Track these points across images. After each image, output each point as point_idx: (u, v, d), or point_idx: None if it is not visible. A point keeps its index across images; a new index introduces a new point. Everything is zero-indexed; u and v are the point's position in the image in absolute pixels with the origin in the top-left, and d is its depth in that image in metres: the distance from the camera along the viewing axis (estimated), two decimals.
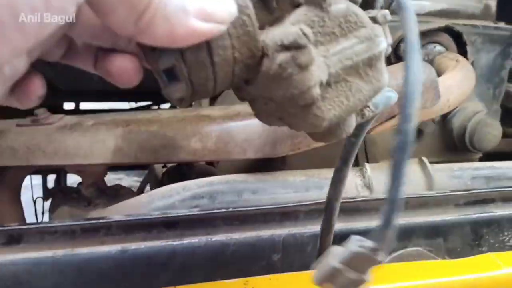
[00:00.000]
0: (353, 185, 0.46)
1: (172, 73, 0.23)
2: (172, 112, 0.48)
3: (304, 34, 0.24)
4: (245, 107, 0.47)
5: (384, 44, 0.27)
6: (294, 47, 0.24)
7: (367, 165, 0.48)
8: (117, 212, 0.45)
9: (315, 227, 0.39)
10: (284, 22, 0.25)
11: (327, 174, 0.47)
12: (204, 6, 0.22)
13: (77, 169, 0.55)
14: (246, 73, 0.25)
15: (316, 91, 0.25)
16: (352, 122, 0.29)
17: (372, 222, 0.42)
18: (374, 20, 0.27)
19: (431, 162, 0.50)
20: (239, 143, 0.43)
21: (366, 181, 0.46)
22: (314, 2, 0.25)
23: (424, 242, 0.44)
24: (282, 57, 0.24)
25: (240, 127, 0.45)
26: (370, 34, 0.26)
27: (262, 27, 0.25)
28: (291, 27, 0.24)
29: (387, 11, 0.28)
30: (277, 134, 0.45)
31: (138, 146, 0.45)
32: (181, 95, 0.24)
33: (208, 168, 0.57)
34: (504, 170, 0.49)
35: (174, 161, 0.46)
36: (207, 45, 0.23)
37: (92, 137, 0.47)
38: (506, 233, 0.46)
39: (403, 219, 0.43)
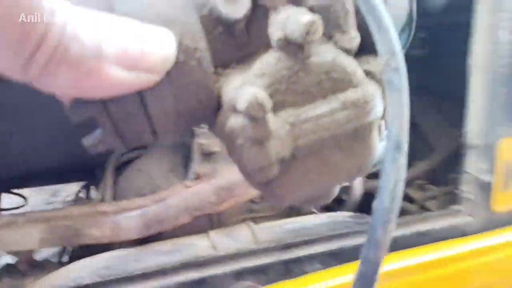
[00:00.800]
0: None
1: (93, 124, 0.19)
2: (79, 208, 0.71)
3: (259, 102, 0.18)
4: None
5: (377, 111, 0.20)
6: (247, 116, 0.18)
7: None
8: (45, 283, 0.67)
9: None
10: (249, 69, 0.20)
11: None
12: (128, 49, 0.17)
13: (13, 252, 0.76)
14: (195, 122, 0.21)
15: (272, 171, 0.19)
16: (333, 192, 0.24)
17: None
18: (371, 75, 0.20)
19: None
20: (124, 228, 0.68)
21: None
22: (288, 50, 0.19)
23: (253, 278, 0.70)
24: (233, 122, 0.19)
25: (126, 217, 0.69)
26: (359, 99, 0.20)
27: (227, 64, 0.20)
28: (248, 88, 0.18)
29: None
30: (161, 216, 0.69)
31: (57, 236, 0.68)
32: (104, 148, 0.20)
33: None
34: (305, 224, 0.76)
35: (82, 244, 0.68)
36: (138, 95, 0.19)
37: (23, 231, 0.69)
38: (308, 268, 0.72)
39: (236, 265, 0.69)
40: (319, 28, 0.18)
